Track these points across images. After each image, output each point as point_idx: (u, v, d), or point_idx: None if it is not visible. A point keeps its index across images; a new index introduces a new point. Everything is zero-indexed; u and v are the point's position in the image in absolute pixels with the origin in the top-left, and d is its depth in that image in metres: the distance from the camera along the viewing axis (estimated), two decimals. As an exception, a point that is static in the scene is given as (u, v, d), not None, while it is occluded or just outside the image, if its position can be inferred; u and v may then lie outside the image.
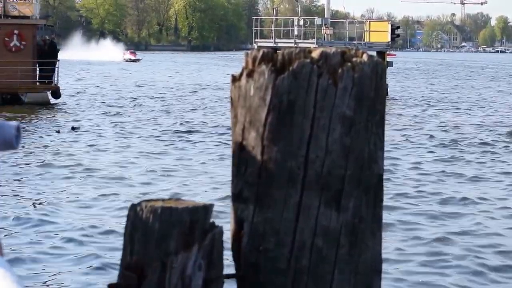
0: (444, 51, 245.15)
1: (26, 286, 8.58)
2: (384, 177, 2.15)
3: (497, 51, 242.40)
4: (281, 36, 45.09)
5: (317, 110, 2.07)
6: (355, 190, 2.10)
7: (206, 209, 2.04)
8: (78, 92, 40.64)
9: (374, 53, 32.08)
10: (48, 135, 23.16)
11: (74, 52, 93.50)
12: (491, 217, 13.30)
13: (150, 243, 2.00)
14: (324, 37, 42.71)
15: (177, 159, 19.06)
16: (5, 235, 11.48)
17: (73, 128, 24.51)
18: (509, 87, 53.08)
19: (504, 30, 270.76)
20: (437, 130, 25.84)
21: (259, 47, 34.36)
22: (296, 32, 41.98)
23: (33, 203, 13.80)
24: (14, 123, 2.20)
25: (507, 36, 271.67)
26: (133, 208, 2.04)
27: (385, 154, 2.17)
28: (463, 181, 16.58)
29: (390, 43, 41.29)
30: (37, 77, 33.31)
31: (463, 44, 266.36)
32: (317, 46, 34.40)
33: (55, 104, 32.97)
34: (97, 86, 46.46)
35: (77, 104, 34.35)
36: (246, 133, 2.12)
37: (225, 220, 2.19)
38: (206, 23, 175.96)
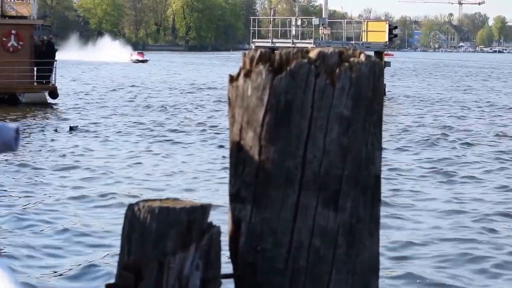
0: (442, 51, 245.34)
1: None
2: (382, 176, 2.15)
3: (495, 51, 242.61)
4: (279, 36, 45.07)
5: (314, 110, 2.07)
6: (353, 190, 2.10)
7: (204, 209, 2.04)
8: (75, 93, 40.62)
9: (371, 53, 32.03)
10: (46, 135, 23.15)
11: (73, 53, 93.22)
12: (490, 219, 13.29)
13: (147, 243, 2.00)
14: (322, 37, 42.68)
15: (176, 159, 19.06)
16: (1, 236, 11.48)
17: (71, 128, 24.50)
18: (506, 87, 53.12)
19: (502, 30, 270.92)
20: (434, 130, 25.85)
21: (257, 47, 34.41)
22: (293, 32, 41.98)
23: (29, 203, 13.79)
24: (13, 125, 2.21)
25: (504, 36, 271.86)
26: (130, 208, 2.04)
27: (382, 154, 2.17)
28: (460, 181, 16.60)
29: (387, 43, 41.28)
30: (35, 77, 33.30)
31: (461, 44, 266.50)
32: (314, 46, 34.40)
33: (53, 104, 32.96)
34: (95, 86, 46.44)
35: (75, 104, 34.33)
36: (243, 133, 2.12)
37: (223, 220, 2.19)
38: (204, 23, 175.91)
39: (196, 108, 33.59)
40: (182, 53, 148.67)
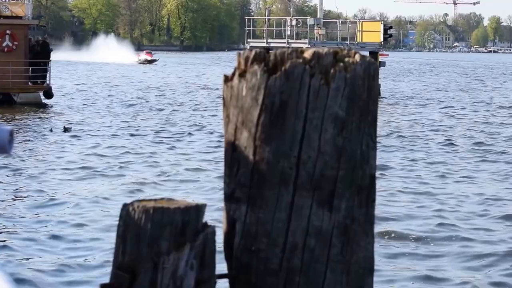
0: (437, 51, 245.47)
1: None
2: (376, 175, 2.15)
3: (490, 51, 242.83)
4: (274, 36, 45.05)
5: (309, 110, 2.07)
6: (347, 190, 2.10)
7: (199, 209, 2.04)
8: (71, 93, 40.57)
9: (366, 53, 32.04)
10: (40, 135, 23.12)
11: (73, 53, 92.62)
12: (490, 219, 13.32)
13: (142, 243, 2.00)
14: (317, 37, 42.66)
15: (173, 159, 19.04)
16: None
17: (65, 129, 24.43)
18: (500, 86, 53.19)
19: (497, 30, 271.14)
20: (429, 129, 25.87)
21: (252, 47, 34.34)
22: (288, 32, 41.95)
23: (25, 202, 13.77)
24: (7, 128, 2.20)
25: (499, 36, 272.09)
26: (125, 208, 2.04)
27: (377, 154, 2.17)
28: (458, 180, 16.62)
29: (382, 43, 41.29)
30: (30, 77, 33.24)
31: (456, 44, 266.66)
32: (309, 46, 34.42)
33: (48, 104, 32.91)
34: (90, 87, 46.39)
35: (70, 104, 34.28)
36: (238, 133, 2.12)
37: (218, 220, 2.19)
38: (199, 23, 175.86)
39: (191, 108, 33.57)
40: (177, 53, 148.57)
